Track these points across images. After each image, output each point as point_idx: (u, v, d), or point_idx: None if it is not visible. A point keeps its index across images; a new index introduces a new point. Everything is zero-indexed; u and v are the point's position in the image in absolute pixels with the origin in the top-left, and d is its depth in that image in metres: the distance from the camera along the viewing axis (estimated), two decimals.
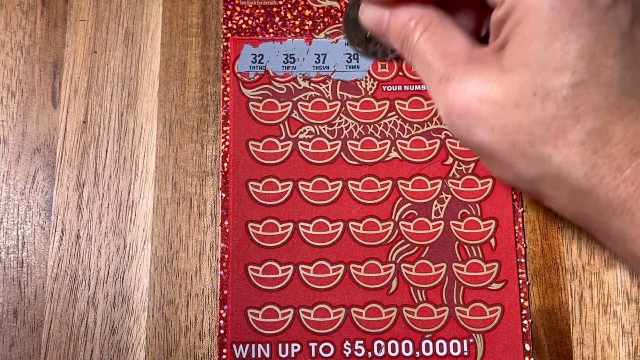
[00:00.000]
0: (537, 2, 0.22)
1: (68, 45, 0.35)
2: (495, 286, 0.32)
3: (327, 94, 0.34)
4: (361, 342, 0.32)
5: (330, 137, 0.34)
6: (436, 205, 0.33)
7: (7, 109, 0.34)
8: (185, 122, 0.34)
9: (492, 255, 0.32)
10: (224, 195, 0.33)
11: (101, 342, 0.32)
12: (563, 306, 0.32)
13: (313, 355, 0.31)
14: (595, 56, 0.22)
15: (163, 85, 0.34)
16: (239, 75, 0.34)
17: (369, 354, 0.31)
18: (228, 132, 0.34)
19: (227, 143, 0.34)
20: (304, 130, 0.34)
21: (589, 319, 0.32)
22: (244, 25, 0.35)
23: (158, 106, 0.34)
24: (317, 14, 0.35)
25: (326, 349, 0.31)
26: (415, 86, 0.34)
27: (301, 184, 0.33)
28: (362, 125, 0.34)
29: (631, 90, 0.22)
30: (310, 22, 0.35)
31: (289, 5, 0.35)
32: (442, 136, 0.34)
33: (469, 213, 0.33)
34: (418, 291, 0.32)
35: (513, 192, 0.33)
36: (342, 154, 0.34)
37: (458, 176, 0.33)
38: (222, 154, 0.33)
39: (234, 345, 0.31)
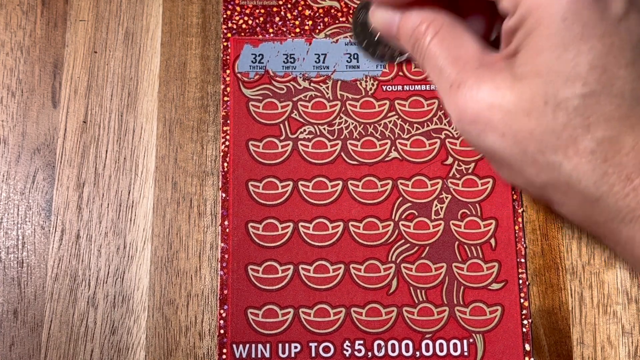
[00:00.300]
0: (549, 14, 0.22)
1: (68, 45, 0.35)
2: (495, 286, 0.32)
3: (327, 94, 0.34)
4: (361, 342, 0.32)
5: (330, 137, 0.34)
6: (436, 205, 0.33)
7: (7, 109, 0.34)
8: (185, 122, 0.34)
9: (492, 255, 0.32)
10: (224, 195, 0.33)
11: (101, 342, 0.32)
12: (563, 306, 0.32)
13: (313, 355, 0.31)
14: (607, 68, 0.22)
15: (163, 85, 0.34)
16: (239, 75, 0.34)
17: (369, 354, 0.31)
18: (228, 132, 0.34)
19: (227, 143, 0.34)
20: (304, 130, 0.34)
21: (589, 319, 0.32)
22: (244, 25, 0.35)
23: (158, 106, 0.34)
24: (317, 14, 0.35)
25: (326, 349, 0.31)
26: (415, 86, 0.34)
27: (301, 184, 0.33)
28: (362, 125, 0.34)
29: None
30: (310, 22, 0.35)
31: (289, 5, 0.35)
32: (442, 136, 0.34)
33: (469, 213, 0.33)
34: (418, 291, 0.32)
35: (513, 192, 0.33)
36: (342, 154, 0.34)
37: (458, 176, 0.33)
38: (222, 154, 0.33)
39: (234, 345, 0.31)
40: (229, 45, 0.35)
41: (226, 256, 0.32)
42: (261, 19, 0.35)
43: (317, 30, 0.35)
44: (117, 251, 0.32)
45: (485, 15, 0.29)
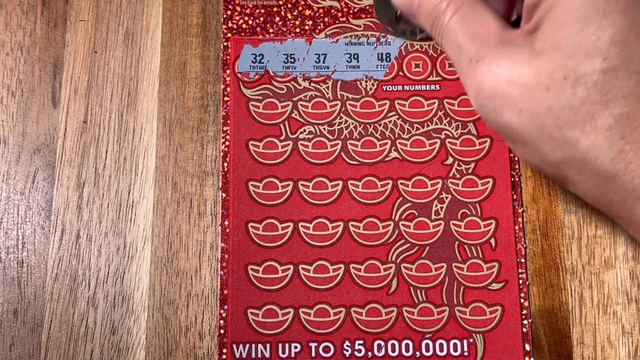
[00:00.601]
0: None
1: (68, 45, 0.35)
2: (495, 286, 0.32)
3: (327, 94, 0.34)
4: (361, 342, 0.32)
5: (331, 137, 0.34)
6: (436, 205, 0.33)
7: (7, 109, 0.34)
8: (185, 122, 0.34)
9: (492, 255, 0.32)
10: (224, 195, 0.33)
11: (101, 342, 0.32)
12: (563, 306, 0.32)
13: (313, 355, 0.31)
14: (628, 43, 0.22)
15: (163, 85, 0.34)
16: (239, 75, 0.34)
17: (369, 354, 0.31)
18: (228, 132, 0.34)
19: (227, 143, 0.34)
20: (304, 130, 0.34)
21: (589, 319, 0.32)
22: (244, 25, 0.35)
23: (158, 106, 0.34)
24: (317, 14, 0.35)
25: (326, 349, 0.31)
26: (415, 86, 0.34)
27: (301, 184, 0.33)
28: (362, 125, 0.34)
29: None
30: (310, 22, 0.35)
31: (289, 5, 0.35)
32: (442, 136, 0.34)
33: (469, 213, 0.33)
34: (418, 291, 0.32)
35: (513, 192, 0.33)
36: (342, 154, 0.34)
37: (458, 176, 0.33)
38: (222, 154, 0.33)
39: (234, 345, 0.31)
40: (229, 45, 0.35)
41: (226, 256, 0.32)
42: (261, 19, 0.35)
43: (317, 30, 0.35)
44: (117, 251, 0.32)
45: None
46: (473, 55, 0.25)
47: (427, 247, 0.32)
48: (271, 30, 0.35)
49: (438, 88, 0.34)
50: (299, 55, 0.34)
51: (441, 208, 0.33)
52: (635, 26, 0.22)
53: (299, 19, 0.35)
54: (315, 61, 0.34)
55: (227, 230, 0.33)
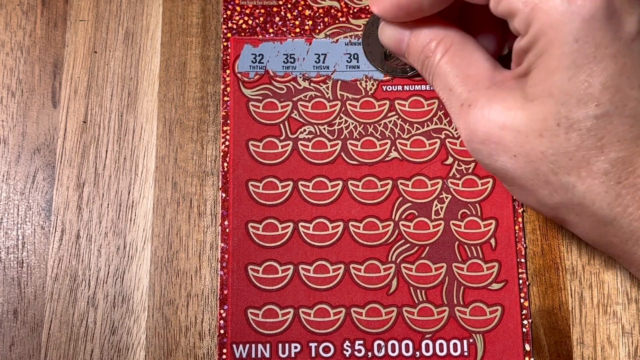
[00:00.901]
0: (562, 34, 0.22)
1: (68, 45, 0.35)
2: (495, 286, 0.32)
3: (327, 94, 0.34)
4: (361, 342, 0.32)
5: (330, 137, 0.34)
6: (436, 205, 0.33)
7: (7, 109, 0.34)
8: (185, 122, 0.34)
9: (492, 255, 0.32)
10: (224, 195, 0.33)
11: (101, 342, 0.32)
12: (563, 306, 0.32)
13: (313, 355, 0.31)
14: (620, 88, 0.21)
15: (163, 85, 0.34)
16: (239, 75, 0.34)
17: (369, 354, 0.31)
18: (228, 132, 0.34)
19: (227, 143, 0.34)
20: (304, 130, 0.34)
21: (589, 319, 0.32)
22: (244, 25, 0.35)
23: (158, 106, 0.34)
24: (317, 14, 0.35)
25: (326, 349, 0.31)
26: (415, 86, 0.34)
27: (301, 184, 0.33)
28: (362, 125, 0.34)
29: None
30: (310, 22, 0.35)
31: (289, 5, 0.35)
32: (442, 136, 0.34)
33: (469, 213, 0.33)
34: (418, 291, 0.32)
35: None
36: (342, 154, 0.34)
37: (458, 176, 0.33)
38: (222, 154, 0.33)
39: (234, 345, 0.31)
40: (229, 45, 0.35)
41: (226, 256, 0.32)
42: (261, 19, 0.35)
43: (317, 30, 0.35)
44: (117, 251, 0.32)
45: (496, 32, 0.28)
46: (465, 99, 0.25)
47: (427, 247, 0.32)
48: (271, 30, 0.35)
49: None
50: (299, 55, 0.34)
51: (441, 208, 0.33)
52: (626, 71, 0.22)
53: (299, 19, 0.35)
54: (315, 61, 0.34)
55: (227, 230, 0.33)
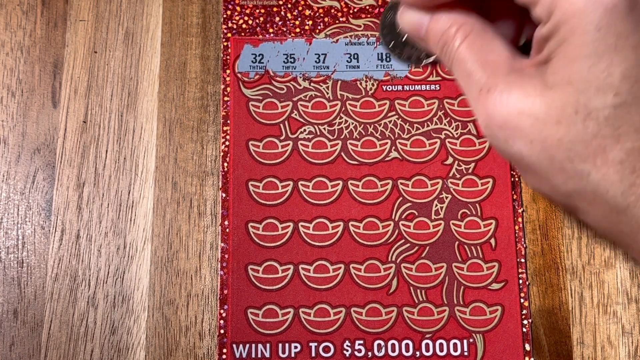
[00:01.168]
0: (584, 23, 0.22)
1: (68, 45, 0.35)
2: (495, 286, 0.32)
3: (327, 93, 0.34)
4: (361, 342, 0.32)
5: (330, 137, 0.34)
6: (436, 205, 0.33)
7: (7, 109, 0.34)
8: (185, 122, 0.34)
9: (492, 255, 0.32)
10: (224, 195, 0.33)
11: (101, 342, 0.32)
12: (563, 306, 0.32)
13: (313, 355, 0.31)
14: (639, 79, 0.22)
15: (163, 85, 0.34)
16: (239, 75, 0.34)
17: (369, 353, 0.31)
18: (228, 132, 0.34)
19: (227, 143, 0.34)
20: (304, 130, 0.34)
21: (589, 319, 0.32)
22: (244, 25, 0.35)
23: (158, 106, 0.34)
24: (317, 14, 0.35)
25: (326, 349, 0.31)
26: (415, 86, 0.34)
27: (301, 184, 0.33)
28: (362, 125, 0.34)
29: None
30: (310, 22, 0.35)
31: (289, 5, 0.35)
32: (442, 136, 0.34)
33: (469, 213, 0.33)
34: (418, 291, 0.32)
35: (513, 192, 0.33)
36: (342, 153, 0.34)
37: (458, 176, 0.33)
38: (222, 154, 0.33)
39: (234, 345, 0.31)
40: (229, 45, 0.35)
41: (226, 256, 0.32)
42: (261, 19, 0.35)
43: (317, 30, 0.35)
44: (117, 251, 0.32)
45: (515, 19, 0.28)
46: (483, 84, 0.25)
47: (427, 247, 0.32)
48: (271, 30, 0.35)
49: (438, 88, 0.34)
50: (299, 55, 0.34)
51: (441, 208, 0.33)
52: None
53: (299, 19, 0.35)
54: (315, 61, 0.34)
55: (227, 230, 0.33)
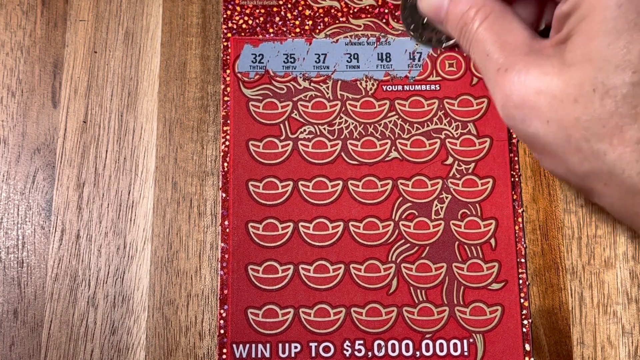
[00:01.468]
0: (604, 0, 0.22)
1: (68, 45, 0.35)
2: (495, 286, 0.32)
3: (327, 93, 0.34)
4: (361, 342, 0.32)
5: (331, 137, 0.34)
6: (436, 205, 0.33)
7: (7, 109, 0.34)
8: (185, 122, 0.34)
9: (492, 255, 0.32)
10: (224, 195, 0.33)
11: (101, 342, 0.32)
12: (563, 306, 0.32)
13: (313, 355, 0.31)
14: None
15: (163, 85, 0.34)
16: (239, 75, 0.34)
17: (369, 354, 0.31)
18: (228, 132, 0.34)
19: (227, 143, 0.34)
20: (304, 130, 0.34)
21: (589, 319, 0.32)
22: (244, 25, 0.35)
23: (158, 106, 0.34)
24: (317, 14, 0.35)
25: (326, 349, 0.31)
26: (415, 86, 0.34)
27: (301, 184, 0.33)
28: (362, 125, 0.34)
29: None
30: (310, 22, 0.35)
31: (289, 5, 0.35)
32: (442, 136, 0.34)
33: (469, 213, 0.33)
34: (418, 291, 0.32)
35: (513, 192, 0.33)
36: (342, 153, 0.34)
37: (458, 176, 0.33)
38: (222, 154, 0.33)
39: (234, 345, 0.31)
40: (229, 45, 0.35)
41: (226, 256, 0.32)
42: (261, 19, 0.35)
43: (317, 30, 0.35)
44: (117, 251, 0.32)
45: (535, 3, 0.28)
46: (501, 64, 0.25)
47: (427, 247, 0.32)
48: (271, 30, 0.35)
49: (438, 88, 0.34)
50: (299, 55, 0.34)
51: (441, 208, 0.33)
52: None
53: (299, 19, 0.35)
54: (315, 61, 0.34)
55: (227, 230, 0.33)
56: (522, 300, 0.32)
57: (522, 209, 0.33)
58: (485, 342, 0.32)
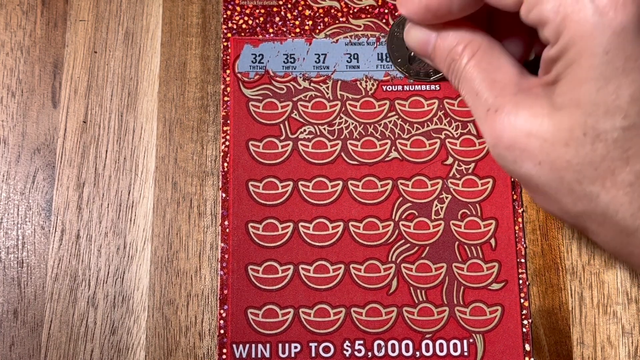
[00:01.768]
0: (592, 46, 0.22)
1: (68, 45, 0.35)
2: (495, 286, 0.32)
3: (327, 94, 0.34)
4: (361, 342, 0.32)
5: (330, 137, 0.34)
6: (436, 205, 0.33)
7: (7, 109, 0.34)
8: (185, 122, 0.34)
9: (492, 255, 0.32)
10: (224, 195, 0.33)
11: (101, 342, 0.32)
12: (563, 306, 0.32)
13: (313, 355, 0.31)
14: None
15: (163, 85, 0.34)
16: (239, 75, 0.34)
17: (369, 354, 0.31)
18: (228, 132, 0.34)
19: (227, 143, 0.34)
20: (304, 130, 0.34)
21: (589, 319, 0.32)
22: (244, 25, 0.35)
23: (158, 106, 0.34)
24: (317, 14, 0.35)
25: (326, 349, 0.31)
26: (415, 86, 0.34)
27: (301, 184, 0.33)
28: (362, 125, 0.34)
29: None
30: (310, 22, 0.35)
31: (289, 5, 0.35)
32: (442, 136, 0.34)
33: (469, 213, 0.33)
34: (418, 291, 0.32)
35: (513, 192, 0.33)
36: (342, 154, 0.34)
37: (458, 176, 0.33)
38: (222, 154, 0.33)
39: (234, 345, 0.31)
40: (229, 45, 0.35)
41: (226, 256, 0.32)
42: (261, 19, 0.35)
43: (317, 30, 0.35)
44: (117, 251, 0.32)
45: (523, 37, 0.28)
46: (491, 104, 0.24)
47: (427, 247, 0.32)
48: (271, 30, 0.35)
49: (438, 88, 0.34)
50: (299, 55, 0.34)
51: (441, 208, 0.33)
52: None
53: (299, 19, 0.35)
54: (315, 61, 0.34)
55: (227, 230, 0.33)
56: (522, 301, 0.32)
57: (522, 209, 0.33)
58: (485, 342, 0.32)
